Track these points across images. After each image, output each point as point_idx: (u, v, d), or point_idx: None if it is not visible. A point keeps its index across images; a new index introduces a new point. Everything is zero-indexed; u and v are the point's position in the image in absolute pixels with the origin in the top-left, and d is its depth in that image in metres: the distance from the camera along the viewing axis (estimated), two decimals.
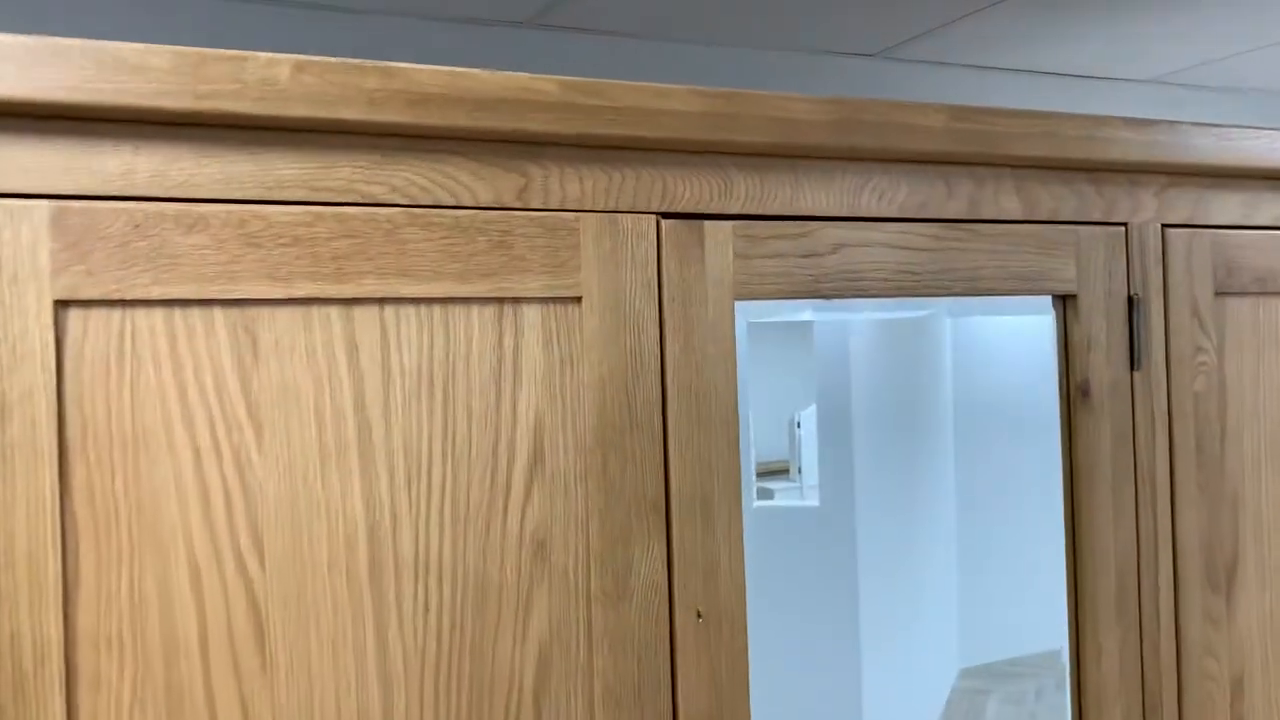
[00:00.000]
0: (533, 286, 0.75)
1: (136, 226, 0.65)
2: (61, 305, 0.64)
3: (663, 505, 0.80)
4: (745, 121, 0.80)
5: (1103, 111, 1.77)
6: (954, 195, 0.92)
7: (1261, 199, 1.08)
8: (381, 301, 0.72)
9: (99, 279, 0.64)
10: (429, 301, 0.73)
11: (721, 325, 0.81)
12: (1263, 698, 1.06)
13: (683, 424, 0.80)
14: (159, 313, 0.66)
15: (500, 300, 0.75)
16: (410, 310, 0.73)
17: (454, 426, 0.74)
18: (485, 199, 0.75)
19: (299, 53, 0.69)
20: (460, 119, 0.72)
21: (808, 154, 0.85)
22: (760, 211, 0.84)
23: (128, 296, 0.65)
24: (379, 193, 0.72)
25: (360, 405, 0.71)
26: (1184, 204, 1.03)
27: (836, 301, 0.88)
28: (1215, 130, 1.02)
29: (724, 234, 0.82)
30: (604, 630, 0.77)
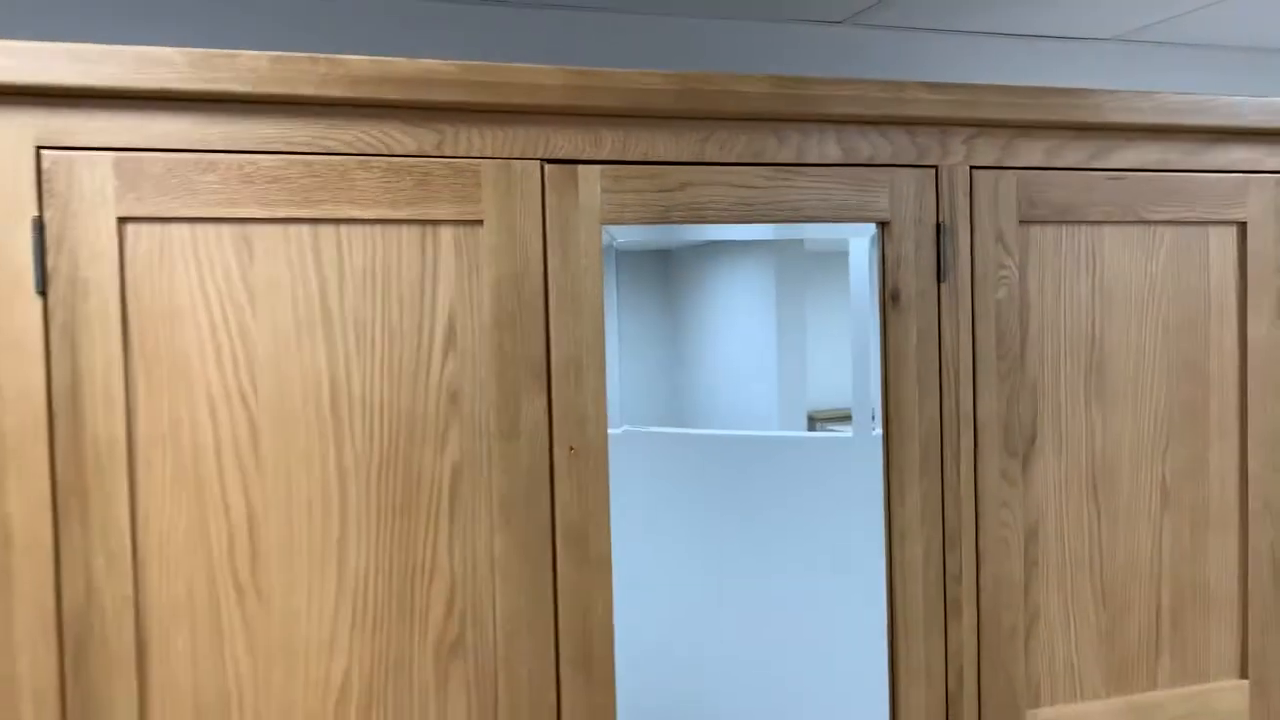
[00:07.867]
0: (446, 212, 1.06)
1: (169, 169, 0.98)
2: (122, 221, 0.97)
3: (544, 370, 1.11)
4: (605, 93, 1.09)
5: (1070, 71, 2.00)
6: (784, 145, 1.20)
7: (1065, 146, 1.33)
8: (338, 222, 1.04)
9: (146, 204, 0.97)
10: (371, 222, 1.05)
11: (590, 241, 1.12)
12: (1056, 544, 1.34)
13: (560, 313, 1.11)
14: (186, 227, 0.99)
15: (423, 222, 1.06)
16: (359, 229, 1.04)
17: (390, 311, 1.06)
18: (411, 149, 1.06)
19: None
20: (388, 93, 1.03)
21: (659, 114, 1.14)
22: (622, 158, 1.13)
23: (165, 215, 0.98)
24: (335, 145, 1.03)
25: (324, 294, 1.04)
26: (991, 150, 1.30)
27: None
28: (1014, 90, 1.28)
29: (593, 175, 1.12)
30: (500, 457, 1.09)
